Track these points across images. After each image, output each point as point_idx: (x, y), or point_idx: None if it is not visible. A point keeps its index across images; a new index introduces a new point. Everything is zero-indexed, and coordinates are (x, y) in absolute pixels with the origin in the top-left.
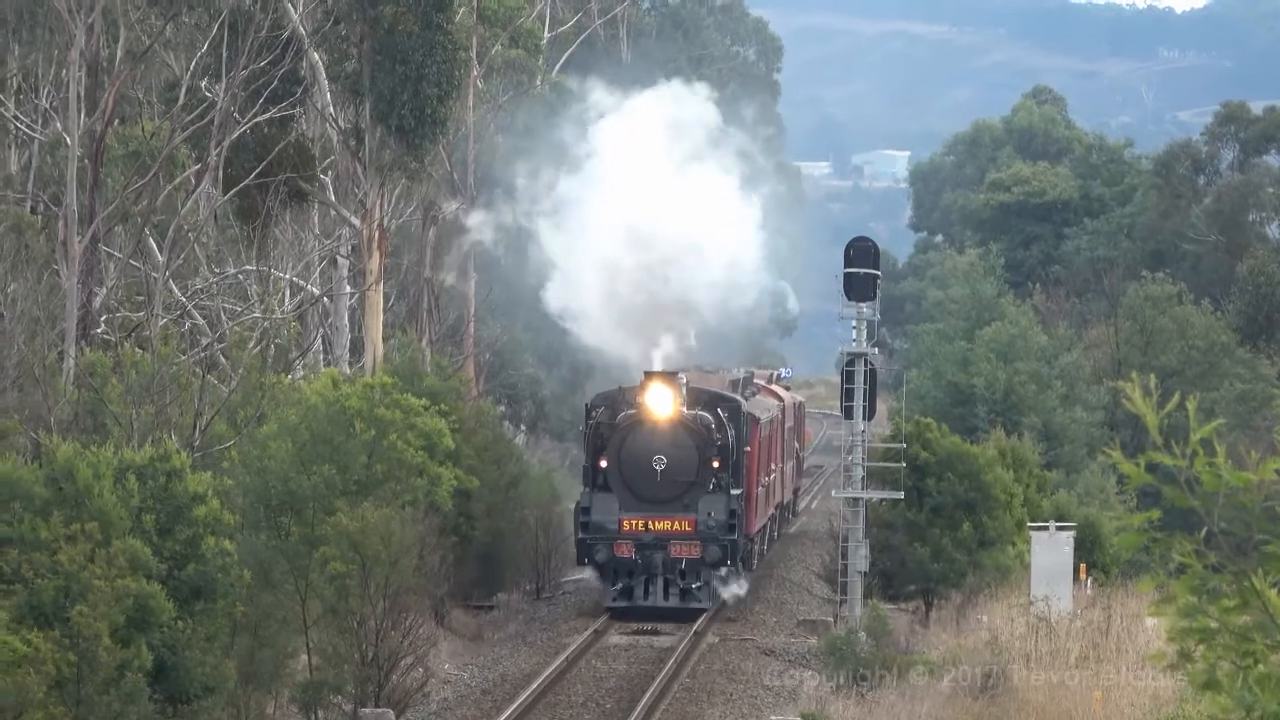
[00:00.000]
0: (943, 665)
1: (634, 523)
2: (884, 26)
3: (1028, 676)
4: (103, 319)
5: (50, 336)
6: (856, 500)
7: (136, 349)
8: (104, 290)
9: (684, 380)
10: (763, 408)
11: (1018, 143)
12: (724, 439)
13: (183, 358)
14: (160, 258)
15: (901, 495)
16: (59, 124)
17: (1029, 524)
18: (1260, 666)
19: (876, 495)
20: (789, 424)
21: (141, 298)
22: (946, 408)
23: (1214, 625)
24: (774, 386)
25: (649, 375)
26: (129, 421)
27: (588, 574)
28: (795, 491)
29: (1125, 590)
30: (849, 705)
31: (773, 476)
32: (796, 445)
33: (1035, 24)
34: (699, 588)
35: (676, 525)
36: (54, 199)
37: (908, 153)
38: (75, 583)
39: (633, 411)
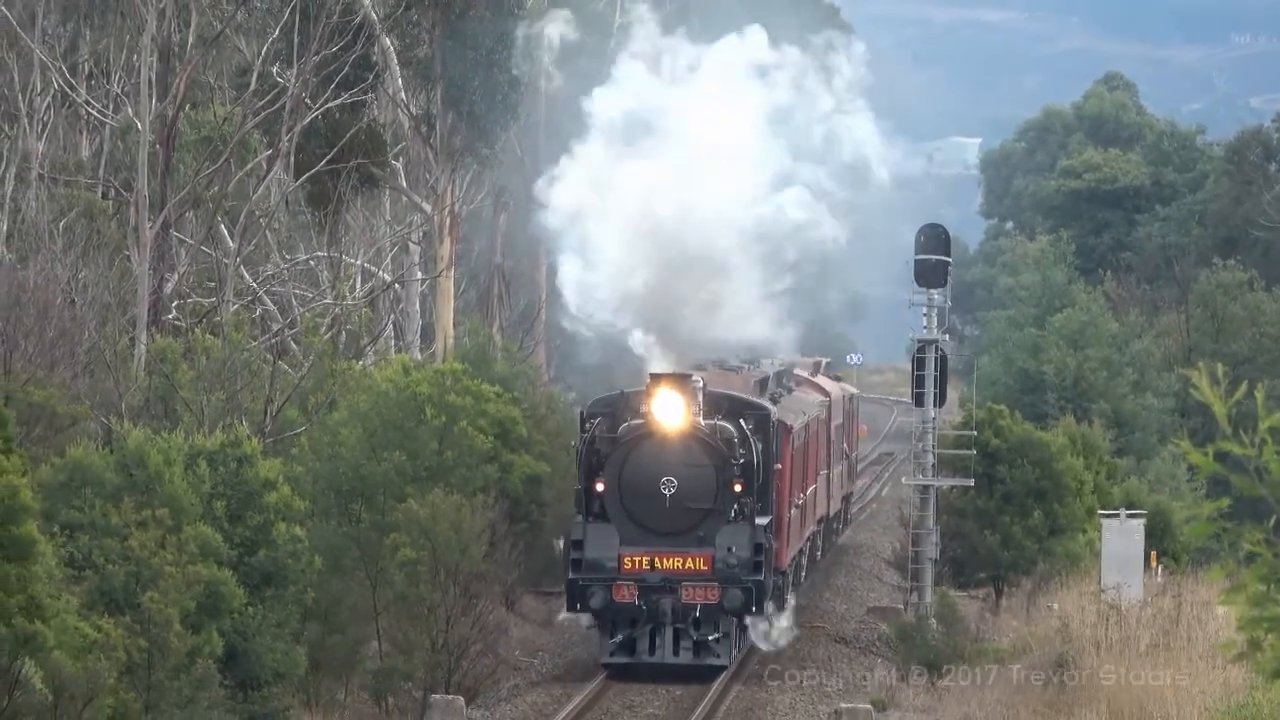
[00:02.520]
0: (1013, 653)
1: (637, 560)
2: (956, 14)
3: (1098, 664)
4: (174, 305)
5: (121, 322)
6: (927, 488)
7: (207, 335)
8: (175, 276)
9: (700, 383)
10: (799, 410)
11: (1089, 129)
12: (748, 456)
13: (254, 344)
14: (231, 243)
15: (972, 482)
16: (130, 109)
17: (1099, 511)
18: None
19: (947, 483)
20: (836, 422)
21: (213, 283)
22: (1016, 394)
23: None
24: (819, 378)
25: (656, 377)
26: (200, 407)
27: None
28: (846, 498)
29: (1196, 578)
30: (919, 693)
31: (811, 491)
32: (846, 446)
33: (1106, 11)
34: (717, 640)
35: (689, 563)
36: (125, 184)
37: (979, 139)
38: (146, 569)
39: (637, 423)
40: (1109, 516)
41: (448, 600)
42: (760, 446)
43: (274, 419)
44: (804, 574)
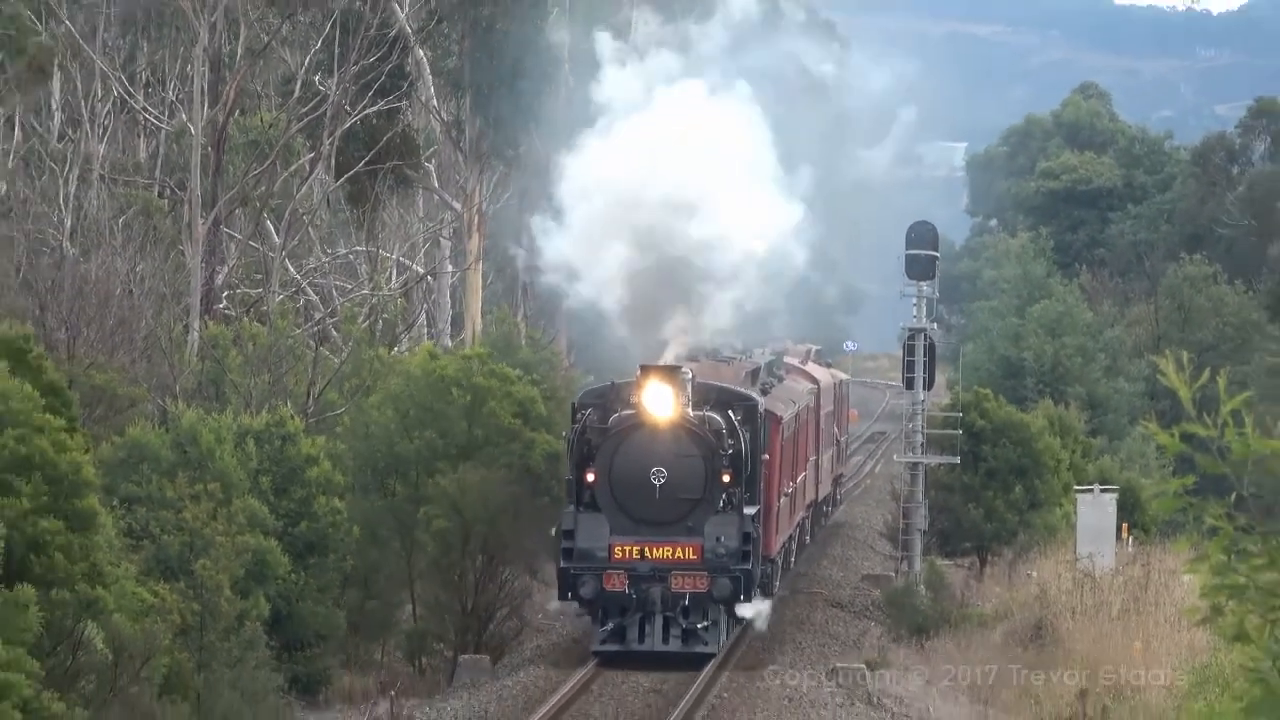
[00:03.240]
0: (995, 617)
1: (627, 549)
2: (947, 28)
3: (1073, 628)
4: (224, 295)
5: (176, 311)
6: (916, 464)
7: (255, 323)
8: (225, 269)
9: (690, 375)
10: (788, 399)
11: (1066, 135)
12: (737, 446)
13: (297, 331)
14: (277, 239)
15: (958, 460)
16: (184, 115)
17: (1075, 487)
18: None
19: (935, 460)
20: (826, 408)
21: (260, 275)
22: (999, 379)
23: (1243, 582)
24: (809, 366)
25: (645, 369)
26: (248, 390)
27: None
28: (837, 480)
29: (1163, 549)
30: (909, 653)
31: (802, 478)
32: (836, 431)
33: (1084, 26)
34: (706, 628)
35: (679, 553)
36: (179, 184)
37: (965, 144)
38: (199, 538)
39: (628, 413)
40: (1084, 491)
41: (476, 568)
42: (749, 437)
43: (316, 401)
44: (794, 558)
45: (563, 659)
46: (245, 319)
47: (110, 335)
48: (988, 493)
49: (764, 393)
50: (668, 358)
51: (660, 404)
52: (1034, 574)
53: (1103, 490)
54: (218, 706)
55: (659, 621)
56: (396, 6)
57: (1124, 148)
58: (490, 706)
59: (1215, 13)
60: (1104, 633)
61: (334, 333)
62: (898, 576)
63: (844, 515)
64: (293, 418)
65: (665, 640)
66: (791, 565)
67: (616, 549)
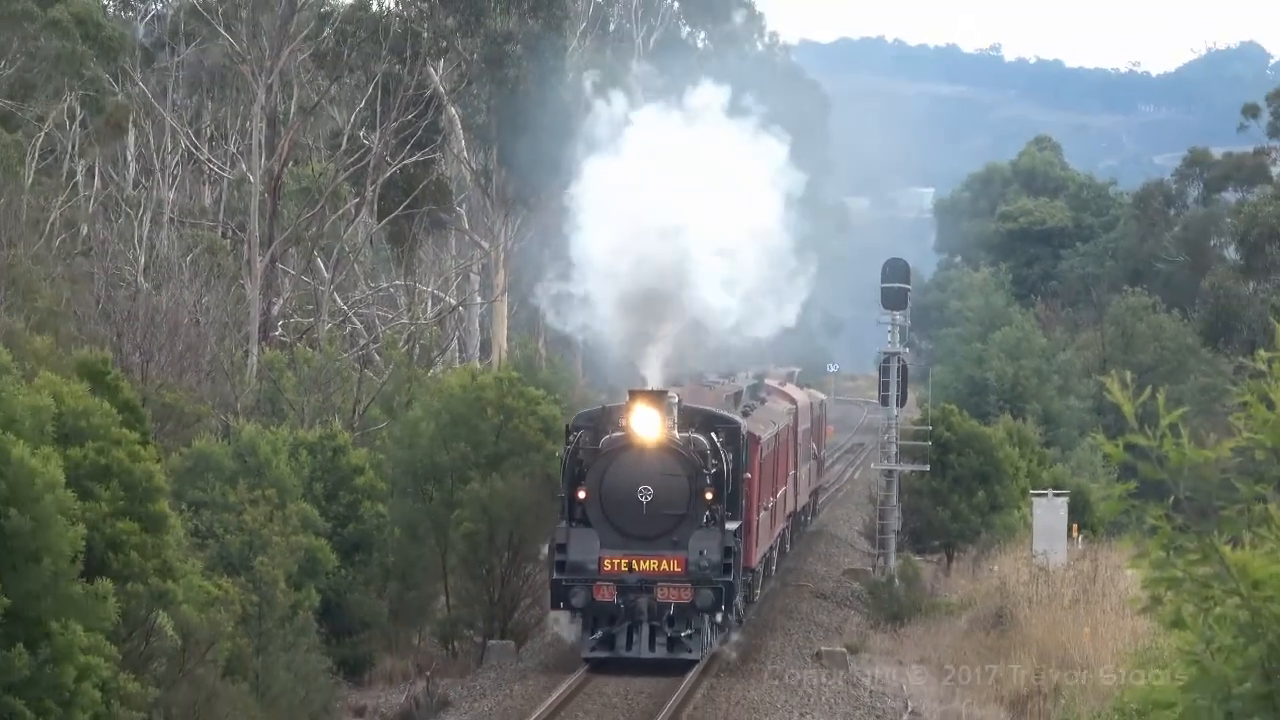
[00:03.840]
0: (961, 606)
1: (616, 562)
2: (918, 88)
3: (1030, 615)
4: (279, 323)
5: (237, 338)
6: (891, 472)
7: (307, 348)
8: (280, 300)
9: (675, 399)
10: (768, 420)
11: (1023, 181)
12: (719, 466)
13: (344, 355)
14: (326, 274)
15: (928, 468)
16: (244, 165)
17: (1031, 491)
18: (1217, 608)
19: (907, 468)
20: (804, 426)
21: (311, 306)
22: (964, 396)
23: (1180, 575)
24: (788, 388)
25: (634, 394)
26: (301, 407)
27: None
28: (815, 492)
29: (1109, 546)
30: (885, 638)
31: (781, 493)
32: (814, 446)
33: (1038, 85)
34: (689, 636)
35: (664, 565)
36: (240, 226)
37: (933, 189)
38: (257, 538)
39: (617, 435)
40: (1039, 495)
41: (502, 563)
42: (731, 457)
43: (361, 416)
44: (774, 567)
45: (555, 665)
46: (298, 345)
47: (179, 359)
48: (954, 496)
49: (745, 415)
50: (655, 383)
51: (647, 426)
52: (995, 568)
53: (1055, 494)
54: (274, 686)
55: (646, 630)
56: (431, 70)
57: (1074, 193)
58: (494, 712)
59: (1154, 74)
60: (1057, 620)
61: (377, 357)
62: (875, 570)
63: (827, 516)
64: (341, 431)
65: (652, 648)
66: (772, 573)
67: (606, 562)
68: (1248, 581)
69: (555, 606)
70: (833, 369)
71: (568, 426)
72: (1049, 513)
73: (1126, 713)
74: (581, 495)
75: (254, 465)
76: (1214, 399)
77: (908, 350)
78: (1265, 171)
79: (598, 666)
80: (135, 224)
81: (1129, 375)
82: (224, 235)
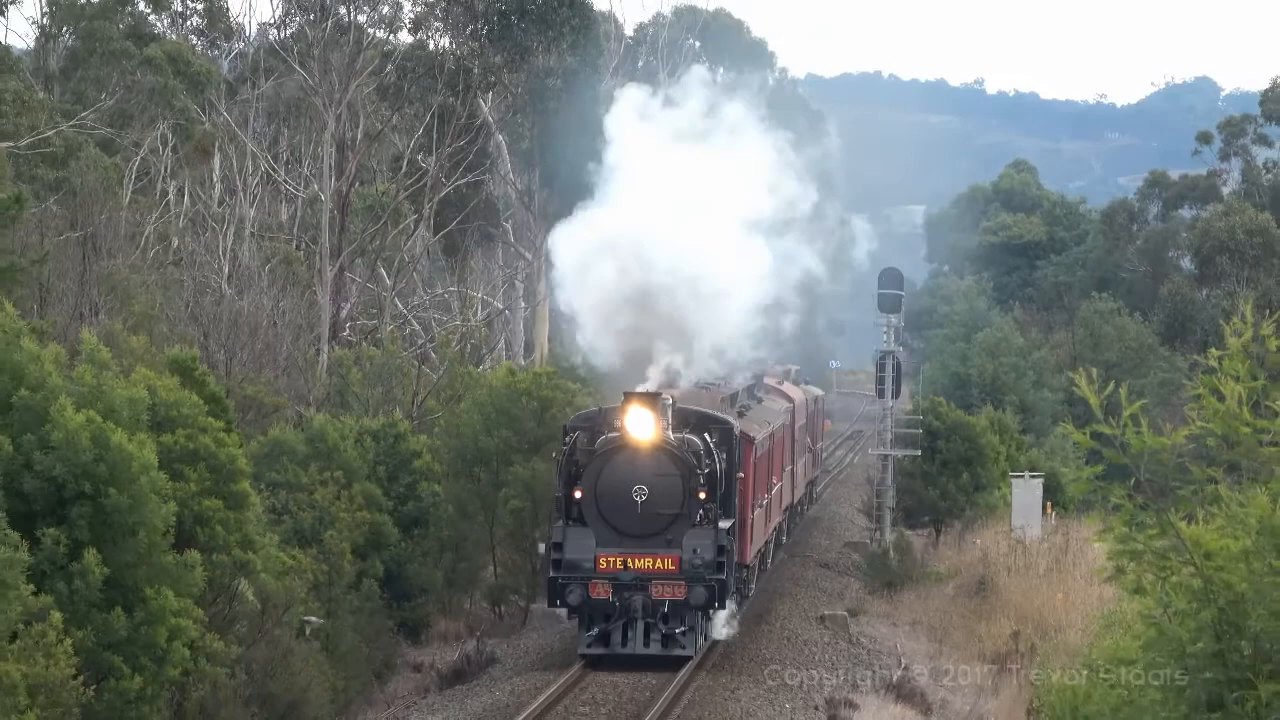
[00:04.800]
0: (948, 574)
1: (611, 560)
2: (911, 118)
3: (1008, 583)
4: (347, 325)
5: (309, 338)
6: (886, 456)
7: (371, 347)
8: (348, 304)
9: (669, 400)
10: (763, 420)
11: (1003, 200)
12: (713, 466)
13: (404, 353)
14: (388, 281)
15: (919, 452)
16: (316, 186)
17: (1009, 473)
18: (1174, 577)
19: (901, 453)
20: (800, 422)
21: (375, 310)
22: (951, 390)
23: (1141, 548)
24: (785, 386)
25: (629, 395)
26: (365, 399)
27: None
28: (811, 483)
29: (1078, 522)
30: (881, 602)
31: (777, 489)
32: (810, 441)
33: (1016, 114)
34: (684, 633)
35: (659, 563)
36: (312, 239)
37: (924, 206)
38: (327, 514)
39: (613, 435)
40: (1017, 477)
41: (543, 536)
42: (724, 457)
43: (419, 407)
44: (770, 560)
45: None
46: (363, 344)
47: (258, 357)
48: (942, 478)
49: (741, 415)
50: (651, 384)
51: (641, 427)
52: (978, 541)
53: (1031, 476)
54: (342, 644)
55: (640, 627)
56: (481, 102)
57: (1048, 210)
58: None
59: (1119, 105)
60: (1032, 587)
61: (432, 354)
62: (872, 543)
63: (830, 495)
64: (401, 420)
65: (646, 644)
66: (767, 567)
67: (601, 560)
68: (1201, 553)
69: (551, 604)
70: (835, 365)
71: (564, 427)
72: (1025, 492)
73: (1094, 669)
74: (577, 495)
75: (324, 450)
76: (1171, 392)
77: (901, 349)
78: (1217, 191)
79: (593, 663)
80: (220, 237)
81: (1095, 372)
82: (298, 247)
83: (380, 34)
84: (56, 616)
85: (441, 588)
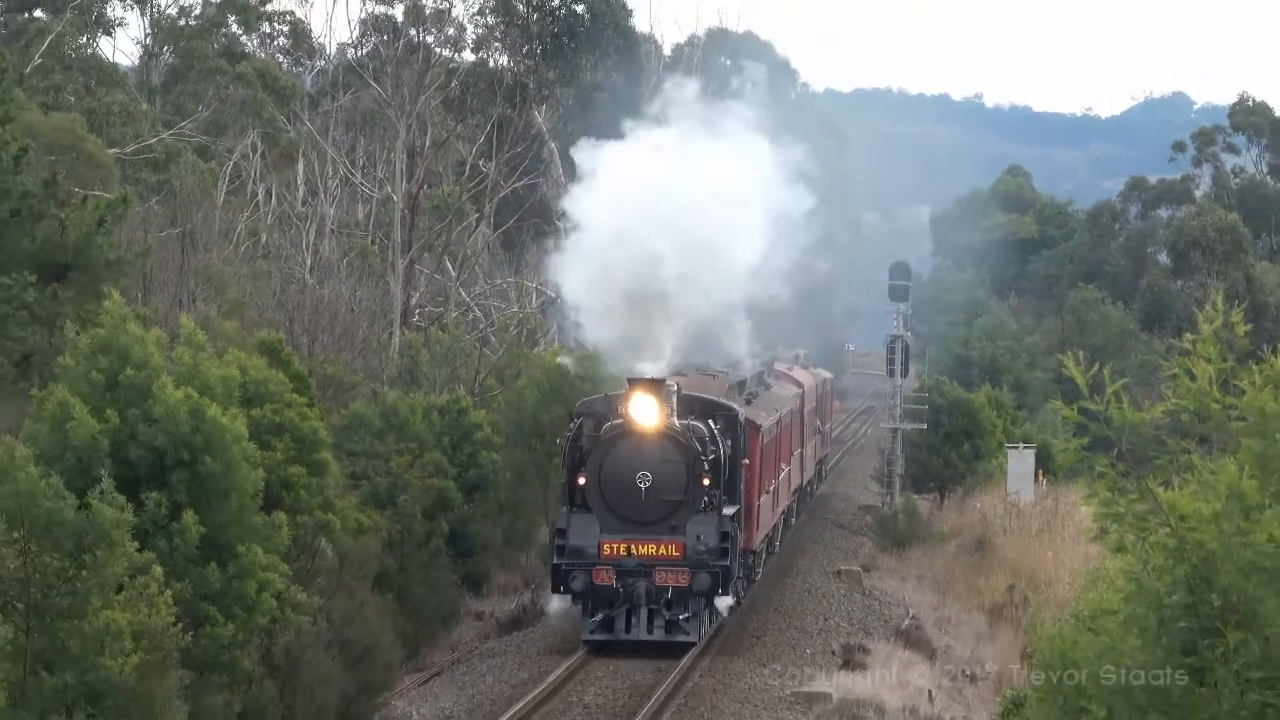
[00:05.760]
0: (950, 534)
1: (615, 547)
2: (918, 128)
3: (1004, 542)
4: (416, 311)
5: (382, 323)
6: (896, 429)
7: (438, 331)
8: (417, 293)
9: (674, 387)
10: (770, 407)
11: (1000, 202)
12: (717, 453)
13: (467, 337)
14: (453, 272)
15: (925, 426)
16: (389, 188)
17: (1005, 444)
18: (1152, 537)
19: (909, 426)
20: (810, 406)
21: (441, 298)
22: (953, 370)
23: (1122, 511)
24: (795, 371)
25: (633, 382)
26: (433, 378)
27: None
28: (821, 462)
29: (1067, 488)
30: (891, 559)
31: (785, 474)
32: (819, 423)
33: (1012, 126)
34: (687, 619)
35: (662, 550)
36: (385, 235)
37: (929, 207)
38: (400, 480)
39: (617, 422)
40: (1012, 448)
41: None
42: (729, 443)
43: (480, 385)
44: (778, 542)
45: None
46: (431, 328)
47: (337, 340)
48: (945, 448)
49: (749, 402)
50: (657, 371)
51: (645, 413)
52: (978, 505)
53: (1025, 447)
54: (413, 596)
55: (644, 613)
56: (536, 114)
57: (1040, 211)
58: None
59: (1103, 117)
60: (1026, 546)
61: (492, 338)
62: (883, 506)
63: (846, 463)
64: (464, 397)
65: (650, 630)
66: (775, 549)
67: (605, 546)
68: (1176, 516)
69: (555, 591)
70: (850, 348)
71: (570, 414)
72: (1019, 461)
73: (1081, 619)
74: (581, 481)
75: (396, 423)
76: (1149, 373)
77: (909, 334)
78: (1190, 194)
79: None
80: (303, 233)
81: (1082, 354)
82: (373, 242)
83: (446, 53)
84: (158, 570)
85: (500, 545)
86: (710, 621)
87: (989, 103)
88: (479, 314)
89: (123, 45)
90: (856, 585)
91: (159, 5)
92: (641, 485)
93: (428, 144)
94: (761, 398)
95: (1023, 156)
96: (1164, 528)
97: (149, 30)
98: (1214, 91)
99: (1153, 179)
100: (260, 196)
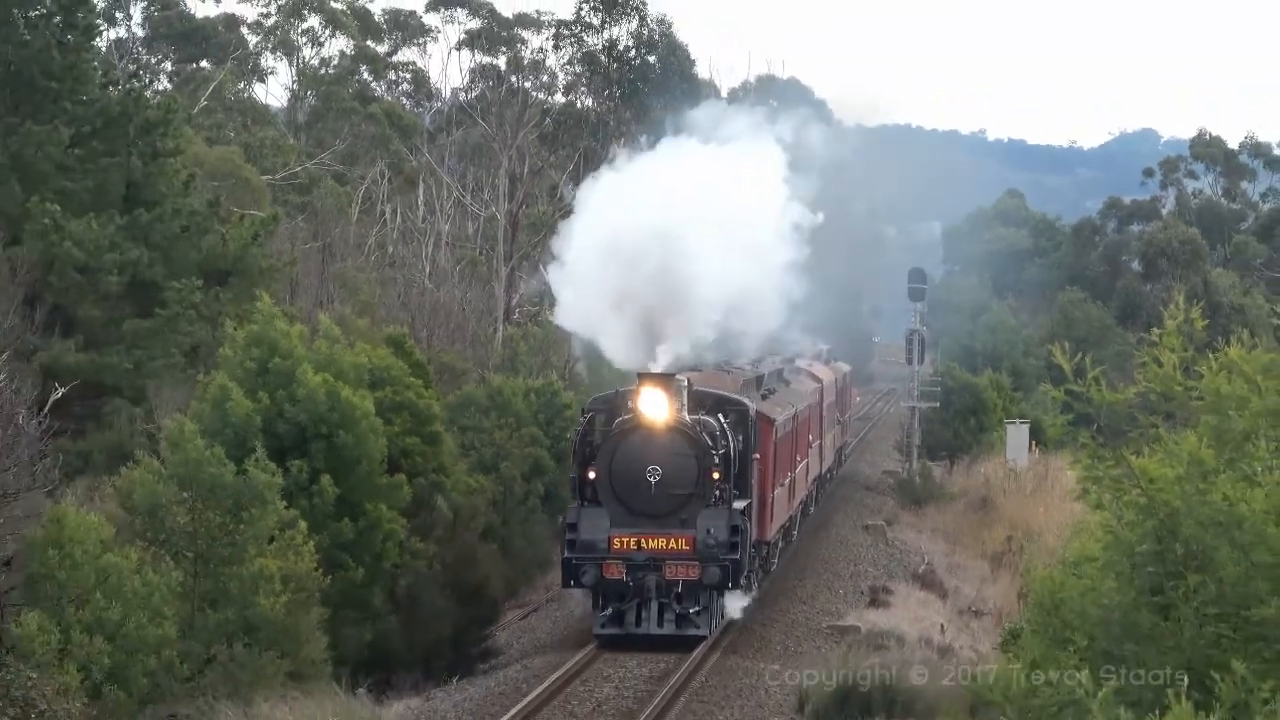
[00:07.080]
0: (959, 495)
1: (625, 541)
2: (934, 158)
3: (1004, 501)
4: (516, 310)
5: (488, 320)
6: (913, 407)
7: (535, 326)
8: (517, 295)
9: (685, 382)
10: (787, 402)
11: (1000, 218)
12: (728, 447)
13: (557, 330)
14: (547, 278)
15: (938, 404)
16: (494, 208)
17: (1005, 420)
18: (1125, 496)
19: (924, 404)
20: (829, 400)
21: (537, 299)
22: (962, 358)
23: (1101, 475)
24: (815, 367)
25: (643, 377)
26: (530, 365)
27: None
28: (840, 450)
29: (1055, 456)
30: (910, 515)
31: (802, 466)
32: (839, 414)
33: (1010, 155)
34: (698, 612)
35: (672, 543)
36: (491, 247)
37: (940, 222)
38: (503, 450)
39: (628, 416)
40: (1010, 422)
41: None
42: (740, 438)
43: (569, 371)
44: (796, 531)
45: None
46: (529, 324)
47: (451, 334)
48: (955, 423)
49: (765, 397)
50: (670, 365)
51: (656, 408)
52: (982, 470)
53: (1021, 422)
54: (513, 545)
55: (655, 607)
56: (615, 146)
57: (1033, 226)
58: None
59: (1085, 148)
60: (1022, 504)
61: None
62: (903, 471)
63: (871, 436)
64: (556, 381)
65: (660, 624)
66: (793, 539)
67: (615, 540)
68: (1145, 479)
69: (566, 584)
70: (877, 340)
71: (582, 409)
72: (1016, 434)
73: (1067, 564)
74: (592, 475)
75: (500, 403)
76: (1124, 361)
77: (925, 328)
78: (1158, 212)
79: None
80: (423, 246)
81: (1067, 345)
82: (480, 253)
83: (541, 96)
84: (302, 524)
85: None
86: (721, 615)
87: (990, 136)
88: None
89: (273, 90)
90: (881, 537)
91: (304, 57)
92: (651, 479)
93: (526, 171)
94: (779, 393)
95: (1019, 181)
96: (1135, 489)
97: (295, 78)
98: (1178, 127)
99: (1127, 200)
100: (387, 215)
